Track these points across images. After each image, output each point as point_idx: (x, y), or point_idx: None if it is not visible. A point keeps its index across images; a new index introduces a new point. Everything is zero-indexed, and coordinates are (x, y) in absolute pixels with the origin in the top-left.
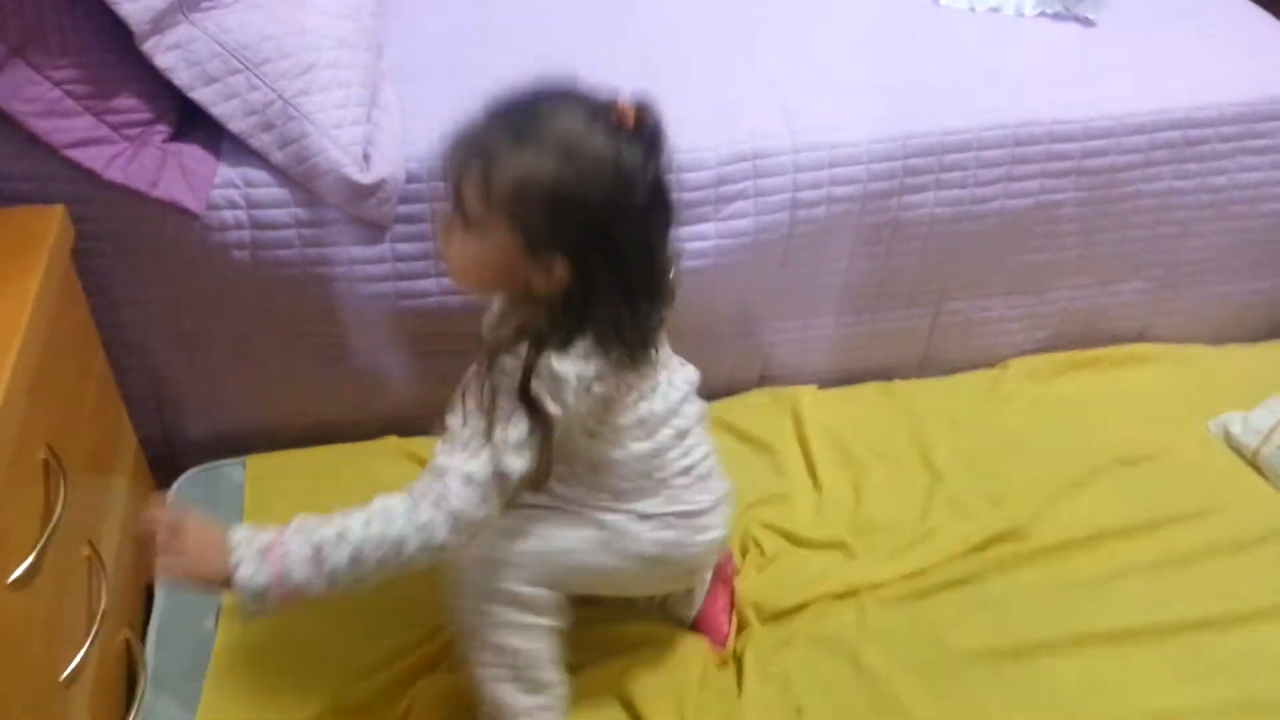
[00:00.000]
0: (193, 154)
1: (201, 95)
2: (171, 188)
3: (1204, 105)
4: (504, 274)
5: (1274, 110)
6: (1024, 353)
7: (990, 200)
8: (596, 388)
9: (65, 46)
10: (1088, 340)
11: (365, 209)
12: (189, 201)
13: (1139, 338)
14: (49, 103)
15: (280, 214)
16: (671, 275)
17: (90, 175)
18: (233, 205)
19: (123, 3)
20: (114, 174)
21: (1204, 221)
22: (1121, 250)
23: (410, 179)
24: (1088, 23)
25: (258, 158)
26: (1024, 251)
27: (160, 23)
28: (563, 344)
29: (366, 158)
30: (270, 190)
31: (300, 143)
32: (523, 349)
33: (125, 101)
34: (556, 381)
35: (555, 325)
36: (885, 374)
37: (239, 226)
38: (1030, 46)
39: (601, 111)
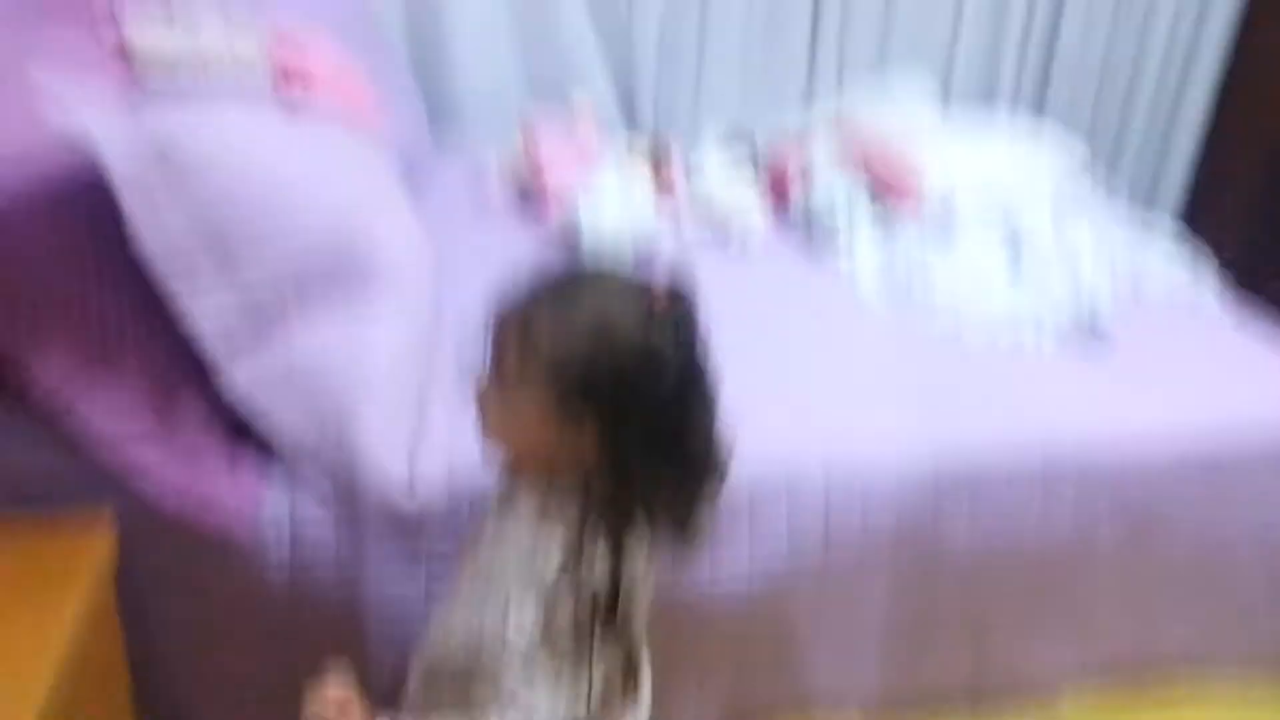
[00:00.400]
0: (243, 471)
1: (259, 413)
2: (218, 504)
3: (1231, 430)
4: (536, 436)
5: None
6: (1075, 683)
7: (1026, 530)
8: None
9: (140, 355)
10: (1141, 673)
11: (406, 529)
12: (234, 520)
13: (1196, 674)
14: (112, 416)
15: (321, 533)
16: (718, 456)
17: (138, 491)
18: (276, 524)
19: (201, 321)
20: (164, 490)
21: (1248, 548)
22: (1167, 576)
23: (452, 499)
24: (1109, 352)
25: (305, 477)
26: (1066, 581)
27: (233, 341)
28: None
29: (412, 478)
30: (313, 510)
31: (350, 462)
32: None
33: (185, 416)
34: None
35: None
36: (931, 699)
37: (279, 546)
38: (1054, 375)
39: (638, 294)
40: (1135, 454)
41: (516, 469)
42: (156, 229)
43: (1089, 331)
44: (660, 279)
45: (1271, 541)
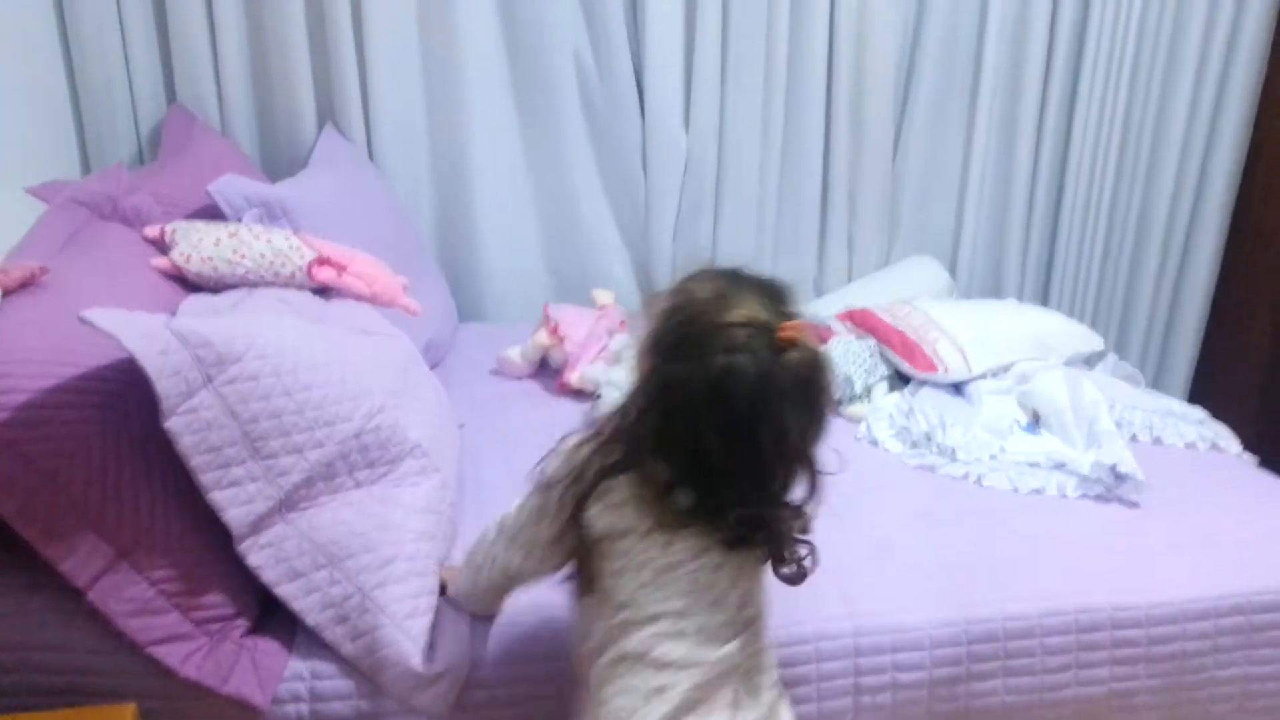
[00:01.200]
0: (267, 648)
1: (285, 590)
2: (241, 683)
3: (1263, 590)
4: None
5: None
6: None
7: (1062, 688)
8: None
9: (168, 546)
10: None
11: (424, 699)
12: (256, 698)
13: None
14: (143, 601)
15: (342, 706)
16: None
17: (165, 672)
18: (296, 698)
19: (229, 509)
20: (189, 670)
21: None
22: None
23: (473, 669)
24: (1132, 504)
25: (329, 650)
26: None
27: (259, 524)
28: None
29: (432, 647)
30: (335, 682)
31: (373, 635)
32: None
33: (212, 598)
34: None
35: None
36: None
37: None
38: (1079, 528)
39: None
40: (1169, 613)
41: None
42: (191, 425)
43: (1111, 478)
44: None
45: None
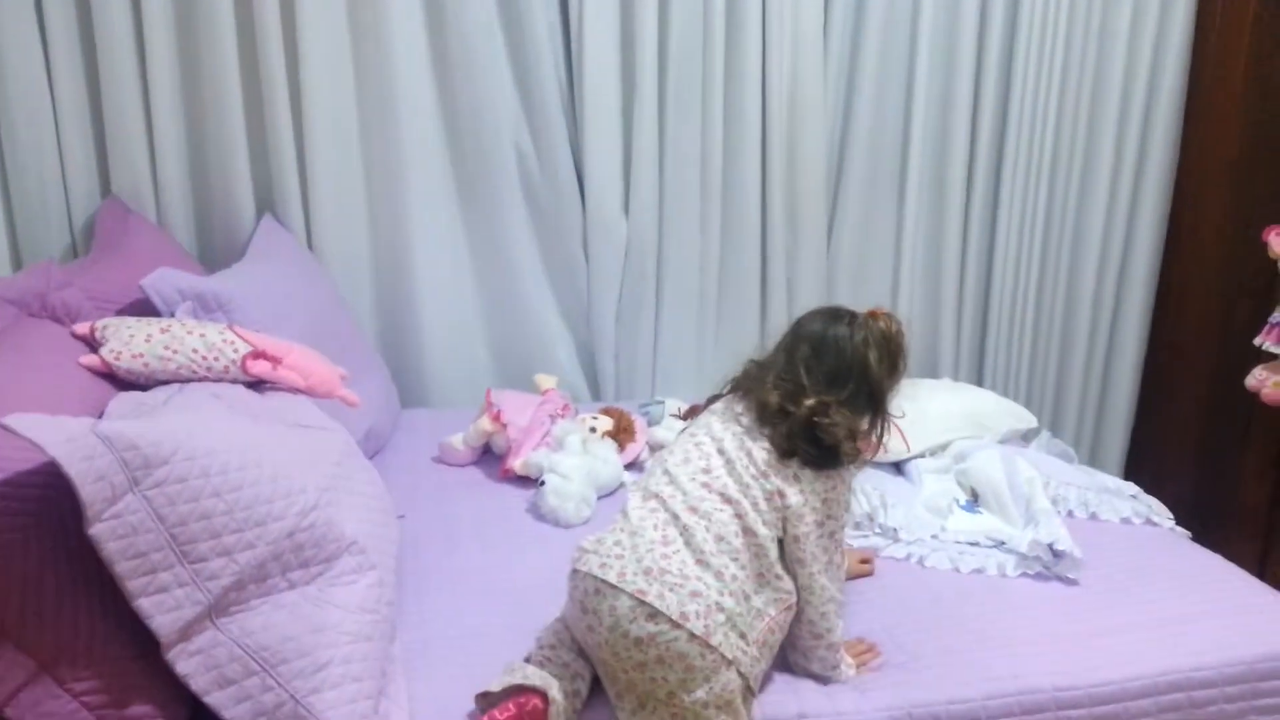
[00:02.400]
0: None
1: (215, 699)
2: None
3: (1203, 666)
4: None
5: (1273, 669)
6: None
7: None
8: None
9: (92, 656)
10: None
11: None
12: None
13: None
14: (64, 716)
15: None
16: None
17: None
18: None
19: (156, 615)
20: None
21: None
22: None
23: None
24: (1071, 582)
25: None
26: None
27: (188, 630)
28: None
29: None
30: None
31: None
32: None
33: (138, 709)
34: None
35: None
36: None
37: None
38: (1019, 608)
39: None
40: (1111, 692)
41: None
42: (115, 531)
43: (1049, 555)
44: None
45: None
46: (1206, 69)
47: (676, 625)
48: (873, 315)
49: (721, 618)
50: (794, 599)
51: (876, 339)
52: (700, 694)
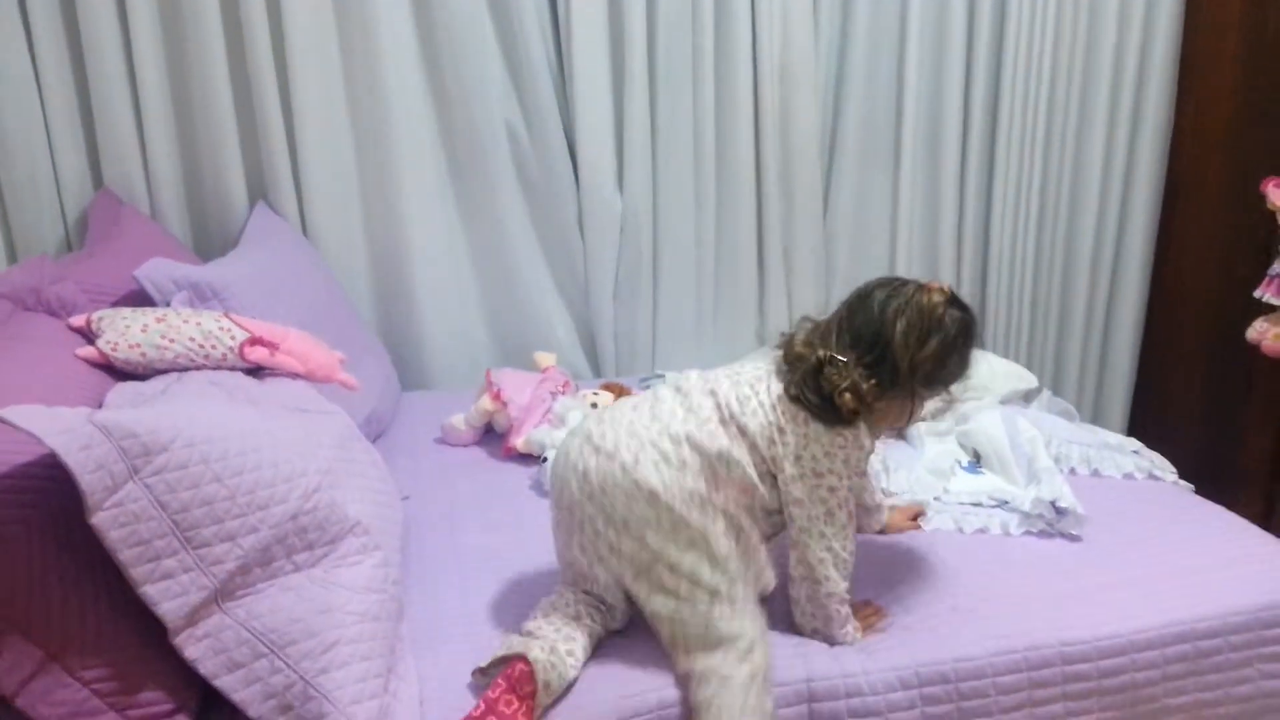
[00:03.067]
0: None
1: (225, 682)
2: None
3: (1207, 616)
4: None
5: (1278, 617)
6: None
7: None
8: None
9: (99, 645)
10: None
11: None
12: None
13: None
14: (75, 704)
15: None
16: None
17: None
18: None
19: (162, 602)
20: None
21: None
22: None
23: None
24: (1074, 539)
25: None
26: None
27: (195, 616)
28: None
29: None
30: None
31: None
32: None
33: (149, 695)
34: None
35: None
36: None
37: None
38: (1024, 566)
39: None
40: (1117, 645)
41: None
42: (117, 519)
43: (1052, 513)
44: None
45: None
46: (1201, 21)
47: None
48: (925, 288)
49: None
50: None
51: (912, 310)
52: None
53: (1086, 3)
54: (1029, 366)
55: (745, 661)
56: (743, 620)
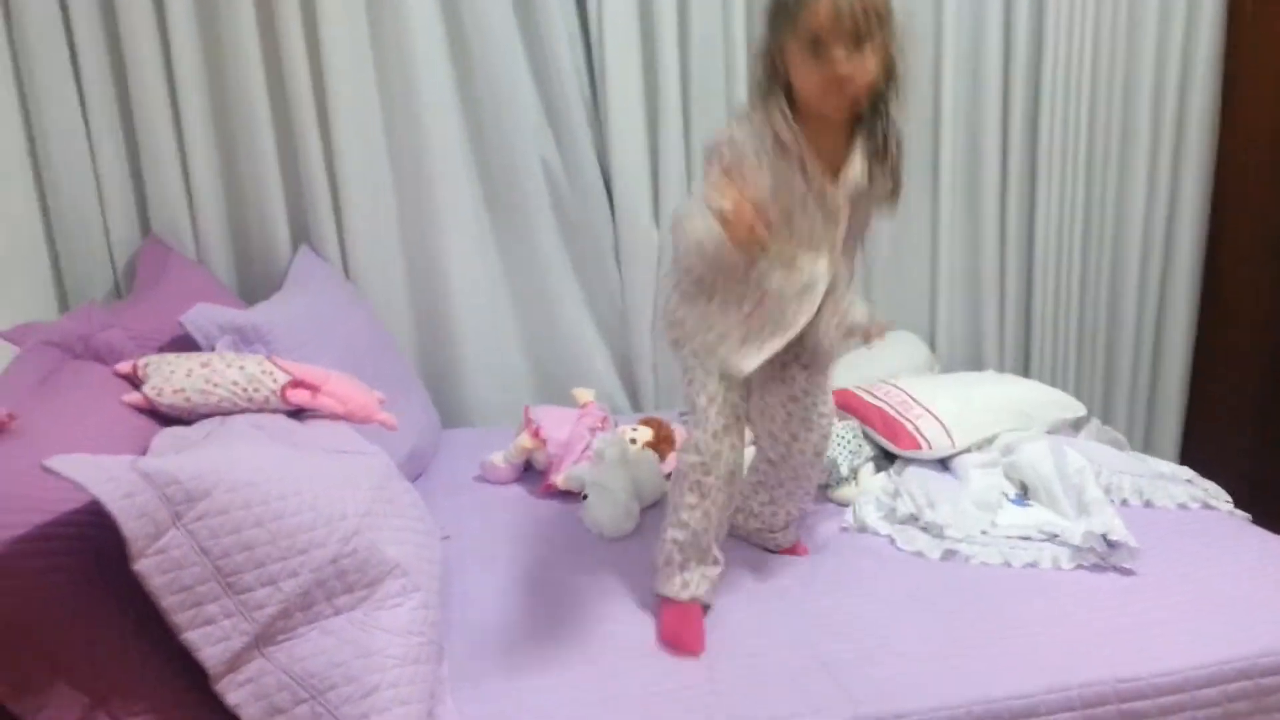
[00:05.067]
0: None
1: None
2: None
3: (1270, 651)
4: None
5: None
6: None
7: None
8: None
9: (144, 690)
10: None
11: None
12: None
13: None
14: None
15: None
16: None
17: None
18: None
19: (204, 648)
20: None
21: None
22: None
23: None
24: (1127, 572)
25: None
26: None
27: (236, 661)
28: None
29: None
30: None
31: None
32: None
33: None
34: None
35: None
36: None
37: None
38: (1076, 600)
39: None
40: (1175, 682)
41: None
42: (160, 566)
43: (1104, 546)
44: None
45: None
46: (1244, 39)
47: None
48: None
49: None
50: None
51: None
52: None
53: (1124, 23)
54: (1077, 394)
55: None
56: None
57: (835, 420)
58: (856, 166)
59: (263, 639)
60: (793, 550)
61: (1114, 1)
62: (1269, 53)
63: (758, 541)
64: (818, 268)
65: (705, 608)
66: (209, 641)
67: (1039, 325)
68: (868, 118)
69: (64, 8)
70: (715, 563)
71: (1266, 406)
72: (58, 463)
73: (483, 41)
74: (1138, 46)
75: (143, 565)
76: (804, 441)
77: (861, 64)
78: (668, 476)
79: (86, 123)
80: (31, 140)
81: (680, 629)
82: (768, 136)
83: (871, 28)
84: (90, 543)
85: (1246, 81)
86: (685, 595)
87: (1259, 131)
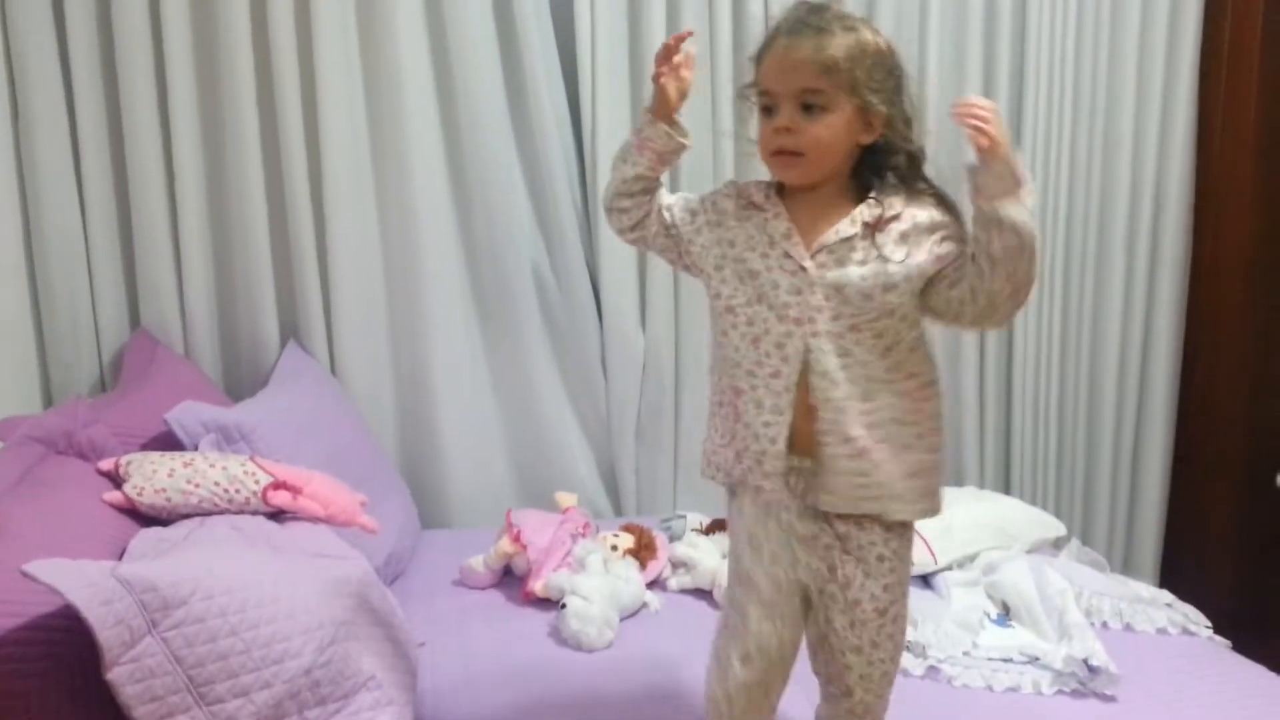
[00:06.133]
0: None
1: None
2: None
3: None
4: (843, 141)
5: None
6: None
7: None
8: None
9: None
10: None
11: None
12: None
13: None
14: None
15: None
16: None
17: None
18: None
19: None
20: None
21: None
22: None
23: None
24: (1108, 699)
25: None
26: None
27: None
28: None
29: None
30: None
31: None
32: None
33: None
34: None
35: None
36: None
37: None
38: None
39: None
40: None
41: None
42: (133, 675)
43: (1085, 671)
44: None
45: None
46: (1216, 150)
47: None
48: None
49: None
50: None
51: None
52: None
53: (1100, 144)
54: (1056, 513)
55: None
56: None
57: None
58: (840, 232)
59: None
60: None
61: (1089, 138)
62: (1239, 154)
63: None
64: None
65: None
66: None
67: (1018, 444)
68: (878, 184)
69: (69, 101)
70: None
71: (1243, 531)
72: (35, 568)
73: (477, 144)
74: (1112, 174)
75: (116, 674)
76: None
77: (809, 129)
78: (650, 585)
79: (83, 212)
80: (27, 226)
81: None
82: (745, 197)
83: (826, 86)
84: (66, 648)
85: (1221, 196)
86: None
87: (1235, 236)
